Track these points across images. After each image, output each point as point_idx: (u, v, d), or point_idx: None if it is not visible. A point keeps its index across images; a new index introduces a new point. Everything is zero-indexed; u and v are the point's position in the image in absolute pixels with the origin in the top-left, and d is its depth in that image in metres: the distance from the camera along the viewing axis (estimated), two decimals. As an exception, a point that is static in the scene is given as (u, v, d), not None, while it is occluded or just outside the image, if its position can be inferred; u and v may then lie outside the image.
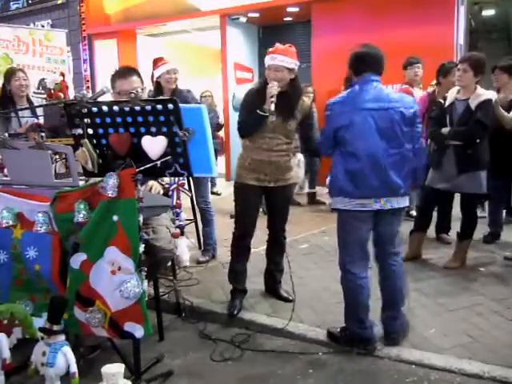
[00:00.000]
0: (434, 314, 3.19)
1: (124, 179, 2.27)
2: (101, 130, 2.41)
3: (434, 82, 4.73)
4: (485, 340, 2.86)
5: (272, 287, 3.55)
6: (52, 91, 5.03)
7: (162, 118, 2.31)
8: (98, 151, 2.44)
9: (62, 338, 2.35)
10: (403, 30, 6.66)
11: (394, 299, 2.86)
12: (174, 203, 3.50)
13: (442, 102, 3.98)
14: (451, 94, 3.92)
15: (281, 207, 3.38)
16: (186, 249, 3.95)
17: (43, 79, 6.43)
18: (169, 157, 2.36)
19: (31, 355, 2.37)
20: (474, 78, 3.71)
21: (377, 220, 2.79)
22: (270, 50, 3.16)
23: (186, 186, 4.25)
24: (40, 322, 2.45)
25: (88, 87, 9.75)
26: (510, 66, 4.29)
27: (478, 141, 3.76)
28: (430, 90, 4.82)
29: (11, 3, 10.80)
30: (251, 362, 2.82)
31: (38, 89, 6.27)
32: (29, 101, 4.37)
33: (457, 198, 4.07)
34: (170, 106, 2.27)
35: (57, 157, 3.13)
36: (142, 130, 2.36)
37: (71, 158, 2.49)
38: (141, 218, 2.33)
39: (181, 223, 3.73)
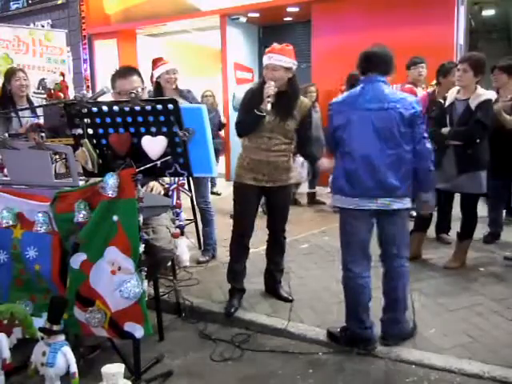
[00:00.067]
0: (434, 314, 3.19)
1: (124, 179, 2.27)
2: (101, 130, 2.41)
3: (434, 81, 4.73)
4: (485, 340, 2.86)
5: (272, 287, 3.55)
6: (52, 91, 5.04)
7: (162, 118, 2.31)
8: (97, 151, 2.44)
9: (62, 338, 2.35)
10: (403, 30, 6.66)
11: (395, 302, 2.86)
12: (174, 203, 3.50)
13: (442, 101, 3.98)
14: (451, 94, 3.92)
15: (280, 207, 3.38)
16: (185, 249, 3.95)
17: (43, 79, 6.43)
18: (169, 157, 2.35)
19: (31, 355, 2.37)
20: (474, 78, 3.71)
21: (378, 220, 2.80)
22: (268, 49, 3.17)
23: (186, 186, 4.25)
24: (40, 322, 2.45)
25: (88, 87, 9.75)
26: (509, 66, 4.29)
27: (478, 141, 3.76)
28: (429, 89, 4.82)
29: (11, 3, 10.80)
30: (251, 362, 2.82)
31: (38, 89, 6.27)
32: (29, 101, 4.37)
33: (457, 197, 4.07)
34: (170, 106, 2.27)
35: (57, 157, 3.13)
36: (142, 129, 2.36)
37: (71, 158, 2.49)
38: (141, 218, 2.33)
39: (181, 223, 3.73)
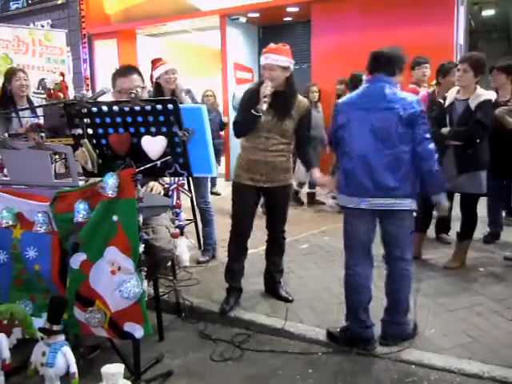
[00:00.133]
0: (434, 314, 3.19)
1: (124, 179, 2.27)
2: (100, 130, 2.41)
3: (434, 81, 4.73)
4: (484, 340, 2.86)
5: (272, 287, 3.55)
6: (52, 91, 5.04)
7: (161, 118, 2.31)
8: (97, 151, 2.44)
9: (62, 338, 2.35)
10: (403, 30, 6.66)
11: (396, 303, 2.85)
12: (174, 203, 3.51)
13: (442, 101, 3.98)
14: (451, 94, 3.92)
15: (279, 208, 3.38)
16: (185, 249, 3.96)
17: (43, 79, 6.43)
18: (169, 157, 2.35)
19: (31, 355, 2.37)
20: (474, 78, 3.71)
21: (380, 221, 2.81)
22: (264, 49, 3.18)
23: (186, 186, 4.25)
24: (40, 322, 2.45)
25: (88, 87, 9.75)
26: (507, 66, 4.29)
27: (477, 141, 3.76)
28: (429, 89, 4.81)
29: (11, 3, 10.80)
30: (251, 362, 2.82)
31: (38, 89, 6.27)
32: (29, 101, 4.37)
33: (457, 198, 4.07)
34: (170, 106, 2.27)
35: (57, 157, 3.14)
36: (142, 129, 2.36)
37: (71, 158, 2.49)
38: (140, 218, 2.33)
39: (181, 223, 3.74)
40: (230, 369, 2.76)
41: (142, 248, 2.33)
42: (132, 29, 9.98)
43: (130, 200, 2.28)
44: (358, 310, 2.83)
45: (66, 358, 2.30)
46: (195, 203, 4.46)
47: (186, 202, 4.26)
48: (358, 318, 2.82)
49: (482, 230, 4.47)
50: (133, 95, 2.32)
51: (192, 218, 4.57)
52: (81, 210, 2.32)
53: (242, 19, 8.75)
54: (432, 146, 2.69)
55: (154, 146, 2.35)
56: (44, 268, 2.51)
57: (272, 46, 3.18)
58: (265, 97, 3.02)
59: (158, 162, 2.36)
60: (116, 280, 2.32)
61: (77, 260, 2.38)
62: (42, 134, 3.46)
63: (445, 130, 3.82)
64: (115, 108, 2.34)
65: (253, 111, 3.05)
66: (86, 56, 10.04)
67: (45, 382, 2.32)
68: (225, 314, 3.28)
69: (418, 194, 2.81)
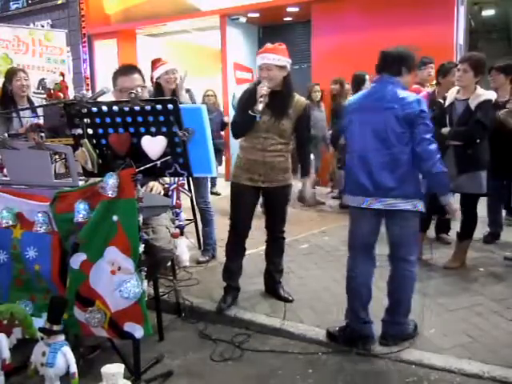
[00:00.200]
0: (434, 314, 3.19)
1: (124, 179, 2.27)
2: (100, 130, 2.41)
3: (434, 81, 4.73)
4: (484, 340, 2.86)
5: (272, 287, 3.55)
6: (52, 91, 5.03)
7: (161, 118, 2.30)
8: (97, 151, 2.44)
9: (62, 338, 2.35)
10: (403, 30, 6.67)
11: (397, 304, 2.85)
12: (174, 203, 3.51)
13: (442, 101, 3.98)
14: (451, 94, 3.92)
15: (278, 208, 3.38)
16: (185, 249, 3.95)
17: (43, 79, 6.43)
18: (168, 157, 2.35)
19: (31, 355, 2.37)
20: (474, 78, 3.71)
21: (385, 221, 2.81)
22: (260, 50, 3.20)
23: (186, 186, 4.25)
24: (40, 322, 2.45)
25: (88, 87, 9.75)
26: (506, 67, 4.30)
27: (477, 141, 3.76)
28: (429, 89, 4.81)
29: (11, 3, 10.80)
30: (251, 362, 2.82)
31: (38, 89, 6.27)
32: (29, 101, 4.37)
33: (457, 198, 4.06)
34: (170, 106, 2.27)
35: (57, 157, 3.14)
36: (142, 129, 2.36)
37: (71, 158, 2.49)
38: (141, 218, 2.33)
39: (181, 223, 3.74)
40: (230, 369, 2.76)
41: (142, 248, 2.33)
42: (132, 29, 9.98)
43: (130, 200, 2.28)
44: (358, 309, 2.84)
45: (65, 357, 2.29)
46: (195, 203, 4.46)
47: (186, 201, 4.26)
48: (358, 315, 2.84)
49: (482, 230, 4.47)
50: (133, 95, 2.32)
51: (192, 218, 4.57)
52: (81, 210, 2.32)
53: (242, 19, 8.76)
54: (433, 146, 2.64)
55: (153, 146, 2.35)
56: (44, 268, 2.51)
57: (268, 45, 3.19)
58: (261, 97, 3.02)
59: (158, 162, 2.36)
60: (116, 280, 2.32)
61: (77, 260, 2.38)
62: (42, 134, 3.46)
63: (445, 130, 3.82)
64: (115, 108, 2.34)
65: (250, 112, 3.05)
66: (86, 56, 10.04)
67: (45, 382, 2.32)
68: (222, 312, 3.29)
69: (426, 195, 2.78)
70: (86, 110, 2.38)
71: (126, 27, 9.87)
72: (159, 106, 2.28)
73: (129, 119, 2.34)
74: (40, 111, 4.00)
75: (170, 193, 3.36)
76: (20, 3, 10.69)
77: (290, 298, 3.45)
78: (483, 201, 4.26)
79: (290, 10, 8.30)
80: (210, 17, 8.82)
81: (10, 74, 4.33)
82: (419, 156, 2.65)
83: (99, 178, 2.33)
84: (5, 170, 2.74)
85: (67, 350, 2.32)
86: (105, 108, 2.35)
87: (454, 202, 2.76)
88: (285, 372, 2.70)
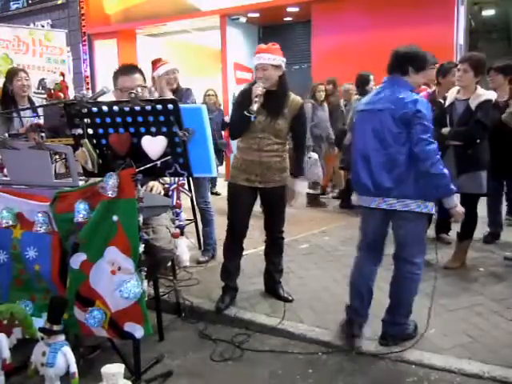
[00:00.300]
0: (434, 314, 3.17)
1: (124, 179, 2.27)
2: (101, 130, 2.41)
3: (434, 81, 4.72)
4: (485, 340, 2.86)
5: (272, 287, 3.55)
6: (52, 91, 5.03)
7: (161, 118, 2.30)
8: (97, 151, 2.44)
9: (62, 338, 2.35)
10: (403, 30, 6.67)
11: (397, 305, 2.85)
12: (174, 203, 3.51)
13: (442, 102, 3.98)
14: (451, 94, 3.92)
15: (276, 208, 3.37)
16: (185, 249, 3.95)
17: (43, 79, 6.43)
18: (169, 157, 2.35)
19: (31, 355, 2.37)
20: (475, 78, 3.72)
21: (391, 221, 2.82)
22: (255, 51, 3.21)
23: (186, 186, 4.25)
24: (40, 322, 2.45)
25: (88, 87, 9.75)
26: (504, 67, 4.30)
27: (478, 141, 3.76)
28: (429, 89, 4.81)
29: (11, 3, 10.81)
30: (251, 362, 2.82)
31: (38, 89, 6.27)
32: (30, 101, 4.37)
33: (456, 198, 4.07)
34: (170, 106, 2.27)
35: (57, 157, 3.14)
36: (142, 129, 2.35)
37: (71, 158, 2.49)
38: (141, 218, 2.33)
39: (181, 223, 3.73)
40: (230, 369, 2.76)
41: (142, 248, 2.33)
42: (132, 29, 9.98)
43: (130, 200, 2.28)
44: (358, 307, 2.89)
45: (66, 357, 2.30)
46: (195, 203, 4.46)
47: (186, 201, 4.26)
48: (357, 313, 2.89)
49: (482, 230, 4.47)
50: (133, 95, 2.32)
51: (192, 218, 4.57)
52: (81, 210, 2.32)
53: (242, 19, 8.76)
54: (431, 146, 2.60)
55: (154, 145, 2.35)
56: (44, 268, 2.51)
57: (262, 46, 3.22)
58: (256, 97, 3.03)
59: (158, 162, 2.36)
60: (116, 280, 2.32)
61: (77, 260, 2.38)
62: (42, 134, 3.46)
63: (445, 130, 3.82)
64: (115, 108, 2.34)
65: (245, 112, 3.05)
66: (86, 56, 10.05)
67: (45, 382, 2.32)
68: (220, 312, 3.29)
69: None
70: (86, 109, 2.38)
71: (125, 27, 9.87)
72: (159, 106, 2.28)
73: (129, 119, 2.34)
74: (40, 111, 4.00)
75: (170, 193, 3.35)
76: (20, 3, 10.69)
77: (290, 298, 3.45)
78: (483, 201, 4.25)
79: (290, 9, 8.30)
80: (209, 17, 8.82)
81: (11, 74, 4.33)
82: (416, 156, 2.62)
83: (99, 178, 2.33)
84: (5, 170, 2.74)
85: (67, 349, 2.32)
86: (105, 108, 2.35)
87: (456, 204, 2.73)
88: (285, 372, 2.71)
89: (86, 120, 2.41)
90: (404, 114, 2.61)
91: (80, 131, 2.42)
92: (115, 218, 2.29)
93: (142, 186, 2.52)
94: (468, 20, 7.31)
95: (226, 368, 2.77)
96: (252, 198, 3.35)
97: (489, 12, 9.08)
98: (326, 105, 6.51)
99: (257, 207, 3.41)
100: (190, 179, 4.29)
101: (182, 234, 3.79)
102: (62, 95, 4.86)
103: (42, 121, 3.76)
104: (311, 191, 6.65)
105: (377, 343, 2.85)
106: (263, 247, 3.58)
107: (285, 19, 8.82)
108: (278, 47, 3.18)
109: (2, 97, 4.30)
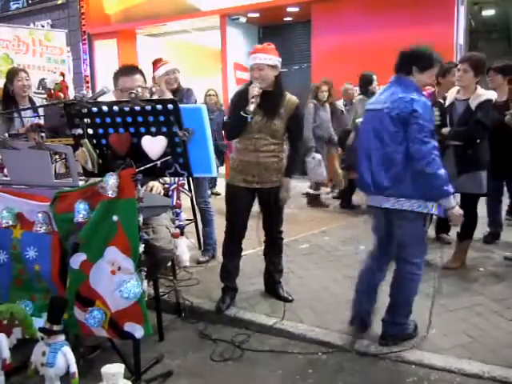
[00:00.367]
0: (434, 314, 3.18)
1: (124, 179, 2.27)
2: (101, 130, 2.41)
3: (434, 81, 4.72)
4: (485, 340, 2.86)
5: (272, 287, 3.55)
6: (52, 91, 5.04)
7: (161, 118, 2.30)
8: (97, 151, 2.44)
9: (62, 338, 2.35)
10: (403, 30, 6.67)
11: (397, 305, 2.85)
12: (174, 203, 3.51)
13: (442, 101, 3.98)
14: (451, 94, 3.92)
15: (274, 209, 3.36)
16: (185, 249, 3.96)
17: (43, 79, 6.43)
18: (169, 157, 2.35)
19: (31, 355, 2.37)
20: (475, 78, 3.72)
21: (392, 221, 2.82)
22: (250, 51, 3.21)
23: (186, 186, 4.25)
24: (40, 322, 2.45)
25: (88, 87, 9.75)
26: (503, 67, 4.30)
27: (478, 141, 3.76)
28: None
29: (11, 3, 10.81)
30: (251, 362, 2.82)
31: (38, 89, 6.27)
32: (31, 101, 4.37)
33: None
34: (170, 106, 2.27)
35: (57, 157, 3.14)
36: (142, 129, 2.36)
37: (71, 158, 2.49)
38: (141, 218, 2.33)
39: (181, 223, 3.74)
40: (230, 369, 2.76)
41: (142, 248, 2.33)
42: (132, 29, 9.99)
43: (130, 200, 2.28)
44: (362, 298, 2.95)
45: (66, 357, 2.30)
46: (195, 203, 4.46)
47: (186, 201, 4.26)
48: (359, 303, 2.95)
49: (482, 230, 4.46)
50: (133, 95, 2.32)
51: (192, 218, 4.57)
52: (81, 210, 2.32)
53: (242, 19, 8.76)
54: (425, 146, 2.57)
55: (154, 146, 2.35)
56: (44, 268, 2.51)
57: (258, 46, 3.23)
58: (253, 97, 3.02)
59: (158, 162, 2.36)
60: (116, 280, 2.32)
61: (77, 260, 2.38)
62: (42, 134, 3.46)
63: (445, 130, 3.82)
64: (115, 108, 2.34)
65: (241, 113, 3.05)
66: (86, 56, 10.05)
67: (45, 382, 2.32)
68: (221, 312, 3.29)
69: None
70: (86, 109, 2.38)
71: (125, 27, 9.87)
72: (159, 106, 2.28)
73: (129, 119, 2.34)
74: (41, 111, 4.00)
75: (170, 193, 3.36)
76: (20, 3, 10.70)
77: (290, 298, 3.45)
78: (483, 201, 4.26)
79: (290, 9, 8.30)
80: (209, 17, 8.82)
81: (12, 75, 4.34)
82: (412, 155, 2.61)
83: (99, 178, 2.33)
84: (5, 170, 2.74)
85: (67, 349, 2.32)
86: (105, 108, 2.35)
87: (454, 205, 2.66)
88: (285, 372, 2.71)
89: (85, 120, 2.41)
90: (400, 112, 2.62)
91: (80, 131, 2.42)
92: (115, 217, 2.29)
93: (142, 186, 2.52)
94: (468, 20, 7.31)
95: (226, 368, 2.77)
96: (250, 199, 3.35)
97: (489, 12, 9.07)
98: (327, 105, 6.50)
99: (255, 207, 3.41)
100: (190, 179, 4.29)
101: (182, 233, 3.79)
102: (61, 95, 4.87)
103: (42, 121, 3.76)
104: (311, 191, 6.66)
105: (377, 343, 2.85)
106: (262, 247, 3.58)
107: (285, 19, 8.82)
108: (273, 47, 3.18)
109: (3, 97, 4.31)
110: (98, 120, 2.39)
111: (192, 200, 4.49)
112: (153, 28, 10.10)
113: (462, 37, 6.92)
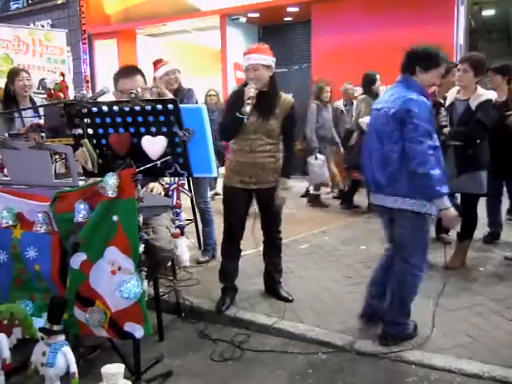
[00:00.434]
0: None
1: (124, 179, 2.27)
2: (101, 130, 2.41)
3: (434, 81, 4.73)
4: (485, 340, 2.86)
5: (271, 287, 3.55)
6: (52, 91, 5.04)
7: (161, 118, 2.31)
8: (97, 151, 2.44)
9: (62, 338, 2.35)
10: (403, 30, 6.67)
11: (393, 304, 2.85)
12: (174, 203, 3.51)
13: (442, 101, 3.98)
14: (451, 94, 3.92)
15: (271, 209, 3.36)
16: (185, 249, 3.96)
17: (43, 79, 6.44)
18: (169, 157, 2.36)
19: (31, 355, 2.37)
20: (475, 79, 3.72)
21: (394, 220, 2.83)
22: (244, 52, 3.21)
23: (186, 186, 4.25)
24: (40, 322, 2.45)
25: (88, 87, 9.75)
26: (502, 67, 4.30)
27: (478, 141, 3.76)
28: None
29: (11, 3, 10.81)
30: (251, 362, 2.82)
31: (38, 89, 6.27)
32: (31, 101, 4.37)
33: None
34: (170, 106, 2.27)
35: (57, 157, 3.14)
36: (142, 129, 2.36)
37: (71, 158, 2.49)
38: (141, 218, 2.33)
39: (181, 223, 3.74)
40: (230, 369, 2.76)
41: (142, 248, 2.33)
42: (132, 29, 9.99)
43: (130, 200, 2.28)
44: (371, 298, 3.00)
45: (66, 357, 2.30)
46: (195, 203, 4.46)
47: (186, 201, 4.26)
48: (373, 301, 2.99)
49: (482, 230, 4.46)
50: (133, 95, 2.32)
51: (192, 218, 4.57)
52: (81, 210, 2.32)
53: (242, 19, 8.76)
54: (419, 146, 2.55)
55: (154, 146, 2.35)
56: (44, 268, 2.51)
57: (252, 46, 3.23)
58: (249, 99, 3.02)
59: (158, 162, 2.36)
60: (116, 280, 2.32)
61: (77, 260, 2.38)
62: (43, 134, 3.46)
63: (445, 131, 3.82)
64: (115, 108, 2.34)
65: (237, 114, 3.04)
66: (86, 56, 10.05)
67: (45, 382, 2.32)
68: (221, 312, 3.29)
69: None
70: (86, 110, 2.38)
71: (125, 27, 9.88)
72: (159, 106, 2.28)
73: (129, 119, 2.35)
74: (40, 111, 4.00)
75: (170, 193, 3.36)
76: (20, 3, 10.70)
77: (290, 298, 3.45)
78: (483, 201, 4.26)
79: (290, 9, 8.30)
80: (210, 17, 8.83)
81: (13, 75, 4.34)
82: (407, 155, 2.61)
83: (99, 178, 2.33)
84: (5, 170, 2.74)
85: (67, 349, 2.32)
86: (105, 108, 2.35)
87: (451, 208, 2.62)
88: (285, 372, 2.71)
89: (86, 120, 2.41)
90: (396, 112, 2.63)
91: (80, 131, 2.43)
92: (115, 217, 2.29)
93: (142, 188, 2.52)
94: (468, 20, 7.31)
95: (226, 368, 2.77)
96: (248, 200, 3.34)
97: (489, 12, 9.07)
98: (330, 106, 6.50)
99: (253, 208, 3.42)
100: (190, 179, 4.29)
101: (182, 233, 3.79)
102: (62, 95, 4.87)
103: (42, 121, 3.76)
104: (311, 191, 6.66)
105: (377, 343, 2.85)
106: (261, 247, 3.58)
107: (285, 19, 8.82)
108: (267, 47, 3.18)
109: (4, 97, 4.31)
110: (98, 120, 2.39)
111: (192, 200, 4.49)
112: (153, 28, 10.10)
113: (462, 37, 6.92)
